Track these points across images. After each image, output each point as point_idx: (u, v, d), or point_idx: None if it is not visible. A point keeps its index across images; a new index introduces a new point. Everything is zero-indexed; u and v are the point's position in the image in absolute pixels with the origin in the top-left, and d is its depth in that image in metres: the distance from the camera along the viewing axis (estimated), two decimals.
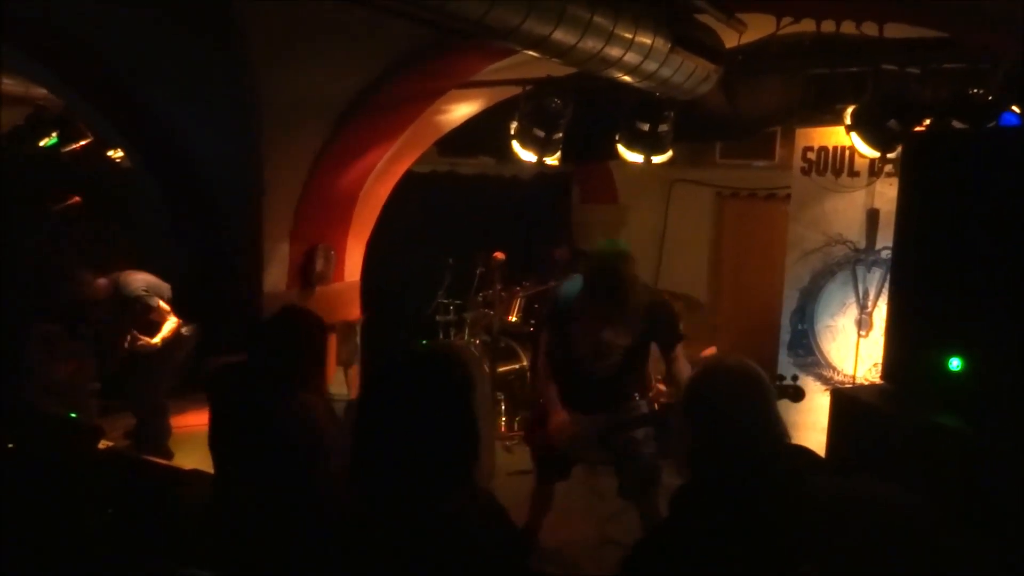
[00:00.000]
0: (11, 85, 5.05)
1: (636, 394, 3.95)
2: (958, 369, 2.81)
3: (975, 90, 3.49)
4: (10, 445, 3.44)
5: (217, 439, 2.60)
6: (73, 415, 4.82)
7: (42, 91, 4.97)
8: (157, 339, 5.18)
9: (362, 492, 1.52)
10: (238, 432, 2.49)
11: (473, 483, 1.56)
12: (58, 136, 5.33)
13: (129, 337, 5.07)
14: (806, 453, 2.12)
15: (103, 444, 3.95)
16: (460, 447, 1.53)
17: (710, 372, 2.11)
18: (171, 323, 5.16)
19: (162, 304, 5.10)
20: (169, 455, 5.40)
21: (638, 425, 3.81)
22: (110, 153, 5.55)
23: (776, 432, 2.02)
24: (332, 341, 4.48)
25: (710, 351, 4.71)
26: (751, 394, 2.01)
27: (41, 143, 5.35)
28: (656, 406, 3.88)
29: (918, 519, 1.18)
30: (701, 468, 2.02)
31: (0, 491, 2.91)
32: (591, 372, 3.76)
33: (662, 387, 3.99)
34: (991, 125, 3.42)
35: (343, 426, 2.64)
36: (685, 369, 3.76)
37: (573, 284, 3.86)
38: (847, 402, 3.05)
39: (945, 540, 1.16)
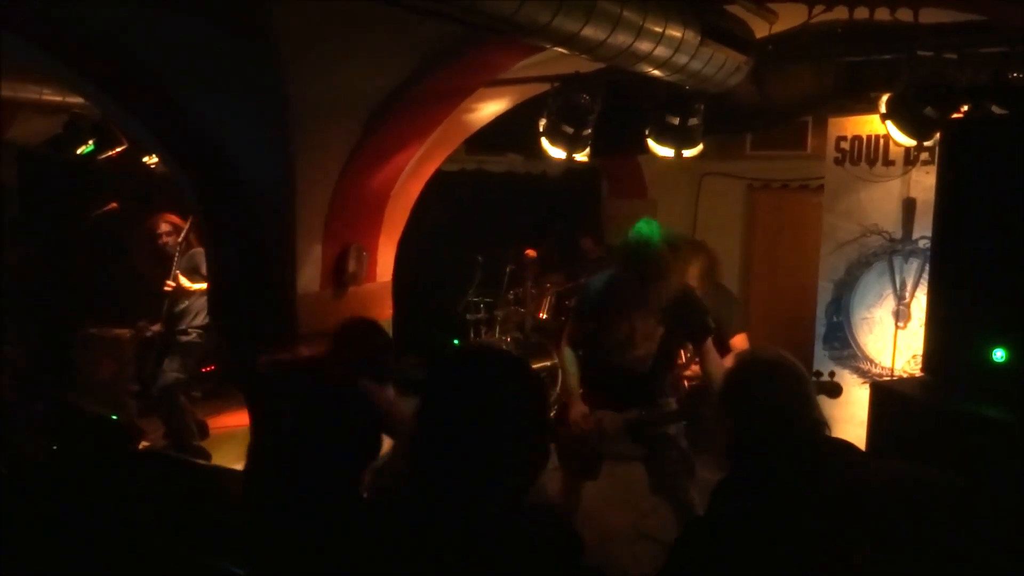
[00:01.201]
0: (49, 94, 5.15)
1: (667, 394, 3.94)
2: (1002, 360, 2.76)
3: (1014, 74, 3.41)
4: (54, 447, 3.53)
5: (269, 431, 2.61)
6: (114, 416, 4.93)
7: (79, 99, 5.07)
8: (188, 284, 5.35)
9: (422, 493, 1.46)
10: (298, 422, 2.50)
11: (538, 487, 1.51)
12: (94, 143, 5.43)
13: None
14: (846, 447, 2.10)
15: (143, 444, 4.02)
16: (529, 450, 1.45)
17: (746, 364, 2.10)
18: (204, 285, 5.33)
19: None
20: (200, 453, 5.50)
21: (669, 421, 3.79)
22: (145, 159, 5.65)
23: (814, 422, 2.01)
24: None
25: (740, 338, 4.67)
26: (787, 385, 2.00)
27: (78, 150, 5.46)
28: (687, 385, 3.86)
29: (970, 500, 1.16)
30: (741, 459, 2.01)
31: (45, 491, 2.98)
32: (622, 364, 3.75)
33: (695, 368, 3.99)
34: None
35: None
36: (717, 363, 3.73)
37: (604, 276, 3.87)
38: (887, 395, 3.01)
39: (998, 521, 1.14)
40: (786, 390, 2.00)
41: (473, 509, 1.40)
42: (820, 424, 2.02)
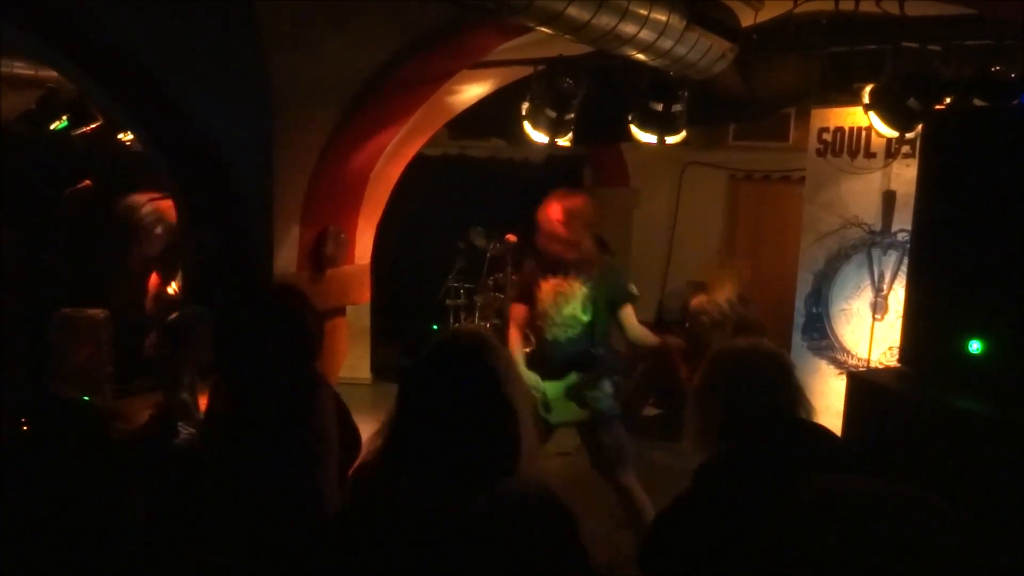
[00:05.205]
0: (21, 68, 5.03)
1: (603, 363, 4.06)
2: (978, 352, 2.77)
3: (997, 67, 3.42)
4: (24, 427, 3.45)
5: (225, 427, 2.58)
6: (87, 398, 4.85)
7: (52, 73, 4.95)
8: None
9: (399, 485, 1.48)
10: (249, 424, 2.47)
11: (520, 472, 1.53)
12: (69, 119, 5.32)
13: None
14: (829, 435, 2.11)
15: (118, 426, 3.96)
16: (501, 436, 1.50)
17: (727, 352, 2.15)
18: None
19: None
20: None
21: (604, 375, 3.95)
22: (120, 136, 5.55)
23: (796, 408, 2.03)
24: (342, 325, 4.45)
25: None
26: (776, 369, 2.03)
27: (52, 126, 5.34)
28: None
29: (915, 518, 1.09)
30: (726, 443, 2.02)
31: (15, 473, 2.92)
32: (554, 331, 3.95)
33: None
34: (1014, 103, 3.36)
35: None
36: (638, 329, 3.98)
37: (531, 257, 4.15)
38: (864, 385, 3.01)
39: (943, 540, 1.08)
40: (776, 374, 2.02)
41: (451, 494, 1.41)
42: (801, 410, 2.03)
